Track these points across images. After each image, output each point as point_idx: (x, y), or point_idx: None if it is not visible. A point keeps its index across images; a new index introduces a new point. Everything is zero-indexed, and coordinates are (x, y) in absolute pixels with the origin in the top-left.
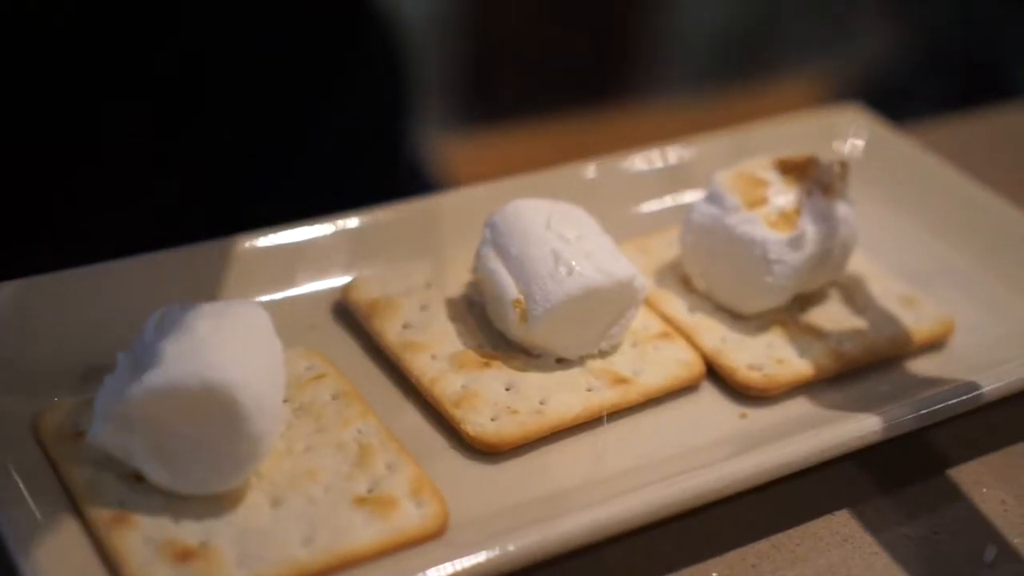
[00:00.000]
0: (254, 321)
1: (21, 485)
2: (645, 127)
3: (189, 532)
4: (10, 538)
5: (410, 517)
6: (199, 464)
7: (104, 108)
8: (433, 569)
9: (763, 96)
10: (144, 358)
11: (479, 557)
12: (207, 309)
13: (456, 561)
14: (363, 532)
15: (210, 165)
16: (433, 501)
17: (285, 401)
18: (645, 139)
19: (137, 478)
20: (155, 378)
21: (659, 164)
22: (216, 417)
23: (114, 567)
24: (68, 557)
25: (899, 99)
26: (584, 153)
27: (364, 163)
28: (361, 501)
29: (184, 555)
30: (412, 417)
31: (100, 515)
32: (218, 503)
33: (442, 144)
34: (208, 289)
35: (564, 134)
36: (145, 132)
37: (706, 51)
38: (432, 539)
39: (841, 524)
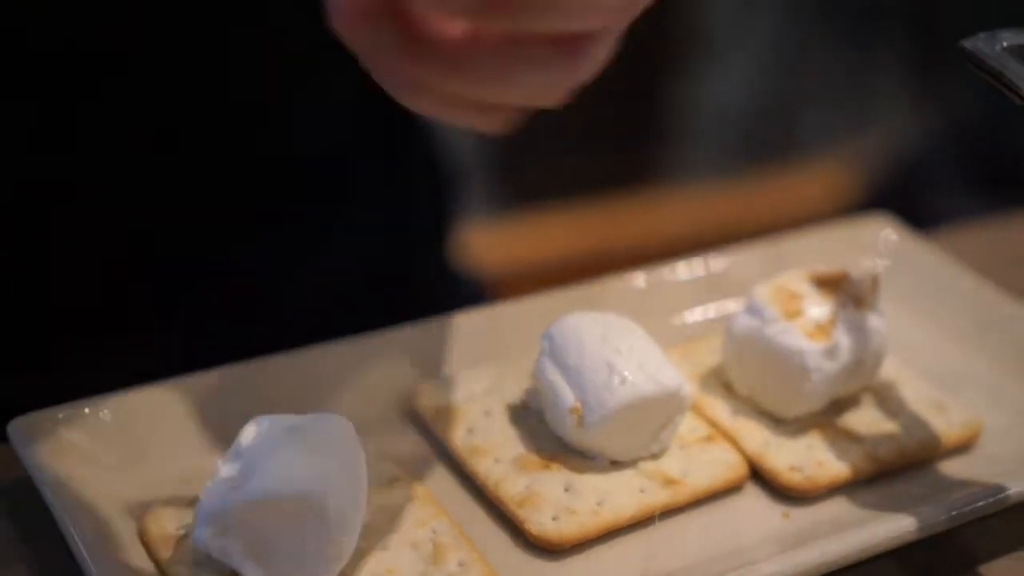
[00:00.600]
0: (340, 433)
1: None
2: (668, 210)
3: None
4: None
5: None
6: (291, 565)
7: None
8: None
9: (786, 179)
10: (242, 468)
11: None
12: (297, 421)
13: None
14: None
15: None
16: None
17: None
18: (669, 222)
19: None
20: (254, 488)
21: (699, 273)
22: (308, 523)
23: None
24: None
25: (924, 186)
26: (609, 238)
27: (413, 264)
28: None
29: None
30: (479, 517)
31: None
32: None
33: (468, 229)
34: (287, 397)
35: (585, 219)
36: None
37: (731, 134)
38: None
39: None
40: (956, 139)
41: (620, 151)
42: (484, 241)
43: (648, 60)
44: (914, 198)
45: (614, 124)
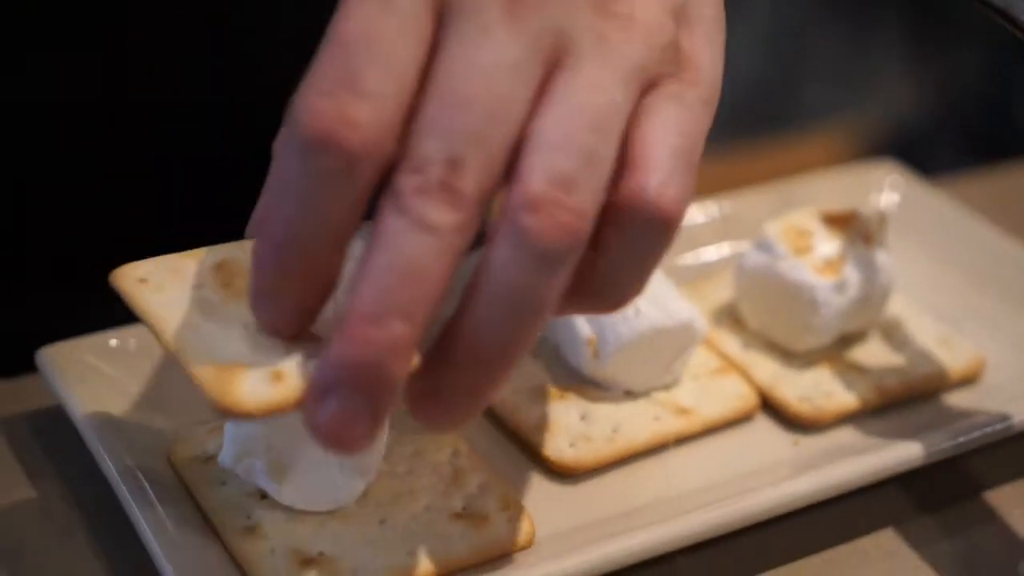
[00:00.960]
0: None
1: (159, 506)
2: None
3: (309, 544)
4: (155, 551)
5: (501, 530)
6: (315, 484)
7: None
8: (526, 570)
9: (789, 150)
10: None
11: (566, 564)
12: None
13: (545, 569)
14: (460, 544)
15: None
16: (521, 516)
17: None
18: None
19: (262, 496)
20: None
21: (712, 215)
22: None
23: (246, 571)
24: (205, 564)
25: (922, 153)
26: None
27: None
28: (457, 516)
29: (306, 562)
30: (498, 443)
31: (231, 527)
32: (332, 519)
33: None
34: None
35: None
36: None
37: (731, 105)
38: (522, 550)
39: (886, 541)
40: (956, 104)
41: None
42: None
43: None
44: (916, 160)
45: None
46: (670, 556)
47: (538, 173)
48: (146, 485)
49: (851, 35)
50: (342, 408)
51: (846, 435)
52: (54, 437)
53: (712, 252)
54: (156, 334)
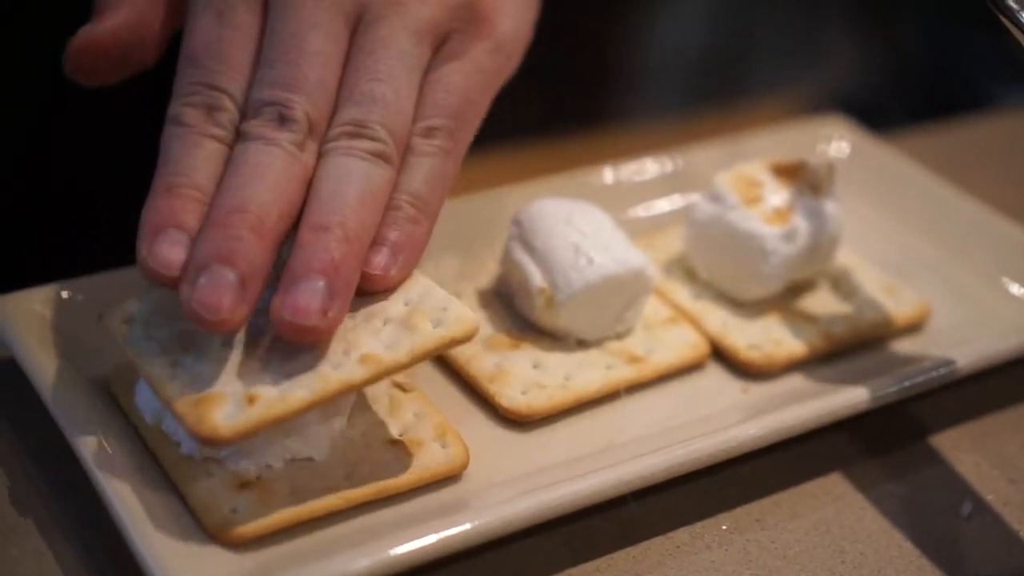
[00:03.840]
0: None
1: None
2: (625, 148)
3: (246, 467)
4: (99, 483)
5: (436, 456)
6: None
7: None
8: (481, 516)
9: (740, 117)
10: None
11: (519, 507)
12: None
13: (498, 512)
14: (395, 468)
15: None
16: (456, 443)
17: None
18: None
19: None
20: None
21: (667, 169)
22: None
23: (185, 496)
24: (147, 498)
25: (872, 114)
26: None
27: None
28: (392, 443)
29: (243, 485)
30: (451, 394)
31: (171, 457)
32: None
33: None
34: None
35: (540, 157)
36: None
37: (681, 74)
38: (457, 472)
39: (834, 484)
40: (904, 67)
41: (571, 95)
42: None
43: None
44: (867, 122)
45: (564, 67)
46: (623, 500)
47: (333, 128)
48: (88, 422)
49: (800, 4)
50: (211, 281)
51: (794, 382)
52: (5, 386)
53: (664, 204)
54: (142, 376)
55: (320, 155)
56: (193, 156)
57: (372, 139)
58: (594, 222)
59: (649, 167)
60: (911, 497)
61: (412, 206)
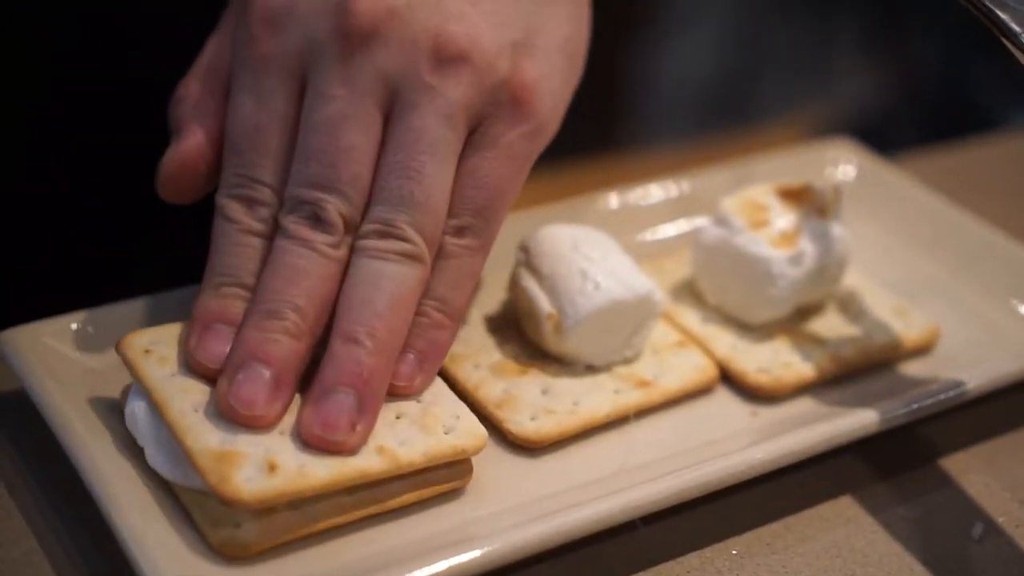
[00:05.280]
0: None
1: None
2: (634, 174)
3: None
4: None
5: (439, 473)
6: None
7: None
8: (491, 542)
9: (749, 141)
10: None
11: (528, 534)
12: None
13: (508, 538)
14: (400, 483)
15: None
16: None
17: None
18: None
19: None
20: None
21: (673, 193)
22: None
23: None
24: (168, 538)
25: (880, 137)
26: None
27: None
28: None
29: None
30: None
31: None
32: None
33: None
34: None
35: (548, 183)
36: None
37: (691, 99)
38: (460, 487)
39: (844, 507)
40: (914, 90)
41: (579, 121)
42: None
43: (609, 25)
44: (876, 145)
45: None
46: (632, 525)
47: (365, 225)
48: (103, 454)
49: (811, 25)
50: (247, 377)
51: (803, 405)
52: (15, 418)
53: (671, 229)
54: (160, 411)
55: (353, 250)
56: (238, 256)
57: (402, 239)
58: (601, 247)
59: (655, 192)
60: (922, 520)
61: (439, 311)
